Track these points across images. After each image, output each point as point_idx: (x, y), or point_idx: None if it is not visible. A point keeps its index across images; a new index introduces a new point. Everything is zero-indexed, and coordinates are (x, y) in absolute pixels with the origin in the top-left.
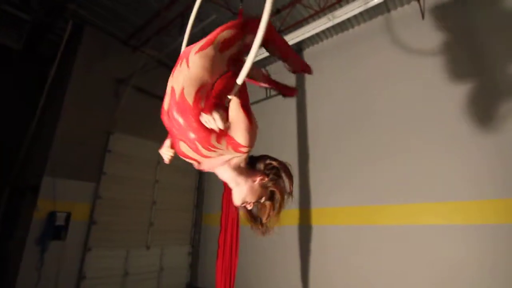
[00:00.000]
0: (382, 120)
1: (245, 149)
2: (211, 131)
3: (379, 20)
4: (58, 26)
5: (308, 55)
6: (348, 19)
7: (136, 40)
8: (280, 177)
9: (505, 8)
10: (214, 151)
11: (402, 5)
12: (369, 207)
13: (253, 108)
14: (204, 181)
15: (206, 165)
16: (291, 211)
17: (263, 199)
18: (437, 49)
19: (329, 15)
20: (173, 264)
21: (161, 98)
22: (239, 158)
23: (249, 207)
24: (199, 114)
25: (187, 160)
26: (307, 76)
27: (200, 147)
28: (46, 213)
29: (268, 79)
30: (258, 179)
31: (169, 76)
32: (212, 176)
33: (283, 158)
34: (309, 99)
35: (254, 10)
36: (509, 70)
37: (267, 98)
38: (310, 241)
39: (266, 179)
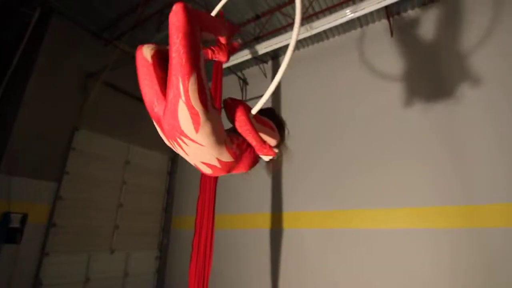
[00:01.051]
0: (355, 130)
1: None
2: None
3: (352, 34)
4: (23, 12)
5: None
6: (324, 31)
7: (109, 33)
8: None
9: (461, 29)
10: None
11: (373, 21)
12: (341, 211)
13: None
14: (174, 183)
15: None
16: (264, 214)
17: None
18: (405, 66)
19: (307, 26)
20: (139, 269)
21: (132, 96)
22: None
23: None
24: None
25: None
26: (283, 82)
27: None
28: None
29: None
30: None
31: None
32: (183, 177)
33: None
34: (283, 104)
35: (236, 16)
36: (466, 87)
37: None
38: (282, 245)
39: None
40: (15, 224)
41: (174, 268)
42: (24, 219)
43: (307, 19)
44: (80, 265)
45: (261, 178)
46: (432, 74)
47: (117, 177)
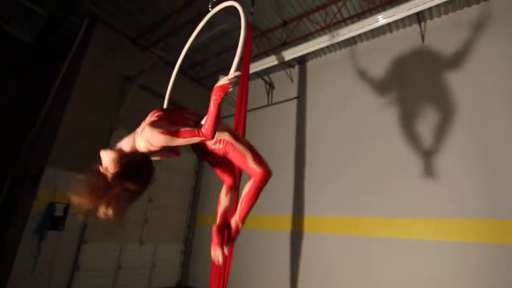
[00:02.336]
0: (382, 138)
1: (146, 133)
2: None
3: (381, 39)
4: (70, 21)
5: (310, 67)
6: (353, 37)
7: (146, 40)
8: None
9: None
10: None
11: (404, 26)
12: (363, 218)
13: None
14: (201, 181)
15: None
16: (286, 217)
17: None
18: (435, 73)
19: (334, 33)
20: (165, 261)
21: (164, 98)
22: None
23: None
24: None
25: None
26: (308, 86)
27: None
28: (45, 203)
29: None
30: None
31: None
32: (209, 176)
33: (282, 162)
34: (310, 108)
35: (264, 22)
36: (496, 98)
37: (269, 105)
38: (303, 248)
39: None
40: (59, 213)
41: (197, 263)
42: (66, 209)
43: (335, 25)
44: (113, 253)
45: (284, 181)
46: (462, 83)
47: None
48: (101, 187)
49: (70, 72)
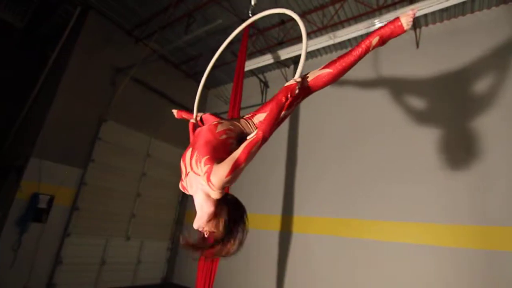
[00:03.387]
0: (374, 142)
1: (214, 184)
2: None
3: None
4: (63, 8)
5: (306, 68)
6: (349, 39)
7: (140, 32)
8: (239, 227)
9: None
10: (198, 168)
11: None
12: (351, 220)
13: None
14: None
15: (188, 182)
16: (275, 216)
17: (217, 233)
18: (428, 80)
19: (331, 34)
20: (151, 258)
21: (156, 92)
22: (211, 190)
23: (204, 234)
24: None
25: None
26: None
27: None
28: (29, 194)
29: None
30: (223, 213)
31: (168, 70)
32: None
33: (274, 162)
34: (302, 110)
35: (261, 20)
36: (489, 106)
37: (262, 103)
38: (290, 248)
39: (227, 219)
40: (43, 204)
41: (184, 261)
42: (51, 201)
43: (331, 27)
44: (97, 248)
45: (275, 180)
46: (455, 90)
47: (138, 168)
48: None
49: (60, 61)
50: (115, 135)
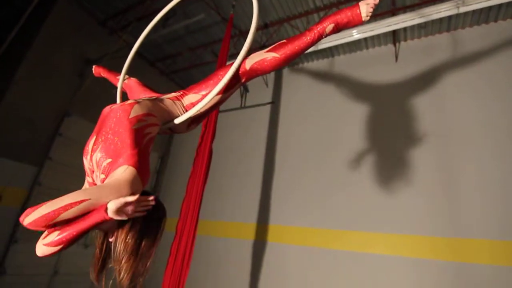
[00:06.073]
0: (349, 151)
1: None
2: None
3: (358, 54)
4: None
5: (286, 74)
6: (330, 48)
7: (115, 22)
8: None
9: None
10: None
11: (380, 45)
12: (325, 230)
13: (226, 115)
14: (162, 182)
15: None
16: (249, 225)
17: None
18: (405, 93)
19: None
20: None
21: None
22: None
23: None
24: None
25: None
26: (282, 93)
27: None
28: None
29: None
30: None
31: (141, 65)
32: (171, 178)
33: (251, 168)
34: (282, 116)
35: (244, 22)
36: (465, 120)
37: (241, 108)
38: (264, 258)
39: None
40: None
41: (150, 269)
42: None
43: None
44: (49, 257)
45: (251, 187)
46: (431, 104)
47: None
48: None
49: (21, 45)
50: (79, 131)
